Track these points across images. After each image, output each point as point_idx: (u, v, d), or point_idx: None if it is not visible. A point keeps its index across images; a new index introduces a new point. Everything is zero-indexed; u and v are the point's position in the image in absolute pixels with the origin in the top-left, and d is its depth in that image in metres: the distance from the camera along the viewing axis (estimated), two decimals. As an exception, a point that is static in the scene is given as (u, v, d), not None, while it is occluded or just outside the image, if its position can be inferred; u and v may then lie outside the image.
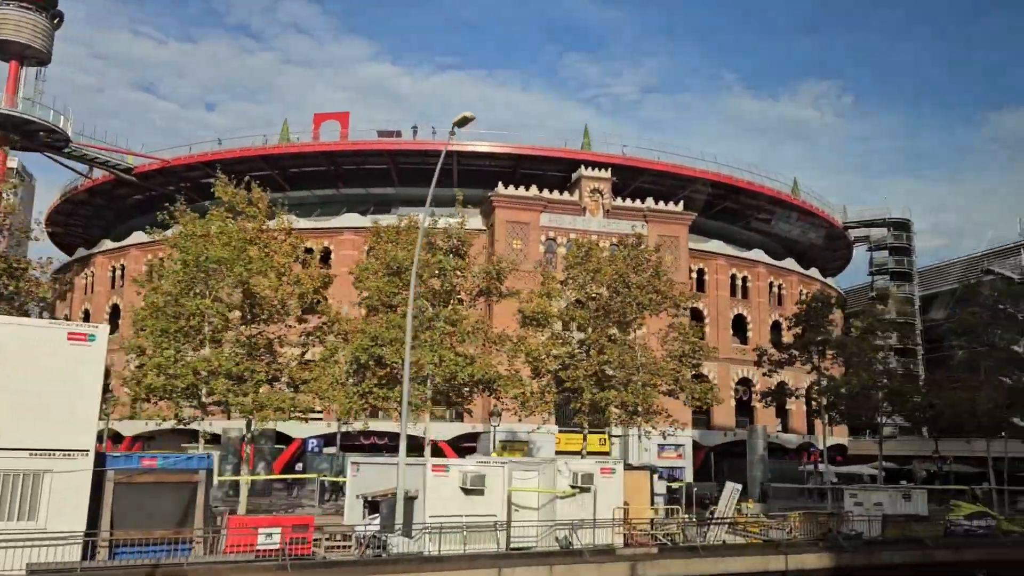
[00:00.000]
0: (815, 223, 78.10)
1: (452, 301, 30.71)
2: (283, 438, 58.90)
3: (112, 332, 42.82)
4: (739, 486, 25.86)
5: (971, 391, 39.91)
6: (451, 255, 30.12)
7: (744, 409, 67.46)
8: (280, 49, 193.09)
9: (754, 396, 60.14)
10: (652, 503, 25.12)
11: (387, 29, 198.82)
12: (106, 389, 27.34)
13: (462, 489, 19.75)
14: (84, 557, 16.34)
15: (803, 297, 72.64)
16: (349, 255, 59.59)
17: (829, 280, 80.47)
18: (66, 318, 65.57)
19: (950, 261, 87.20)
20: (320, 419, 59.04)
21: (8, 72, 59.23)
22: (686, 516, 25.28)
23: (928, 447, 65.41)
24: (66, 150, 61.82)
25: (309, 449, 57.25)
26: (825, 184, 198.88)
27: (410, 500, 19.37)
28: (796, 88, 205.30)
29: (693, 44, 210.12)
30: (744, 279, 68.95)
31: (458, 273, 30.41)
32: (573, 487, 21.47)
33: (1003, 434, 44.94)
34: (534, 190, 59.86)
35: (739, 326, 68.07)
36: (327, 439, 58.98)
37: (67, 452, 16.75)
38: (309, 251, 48.36)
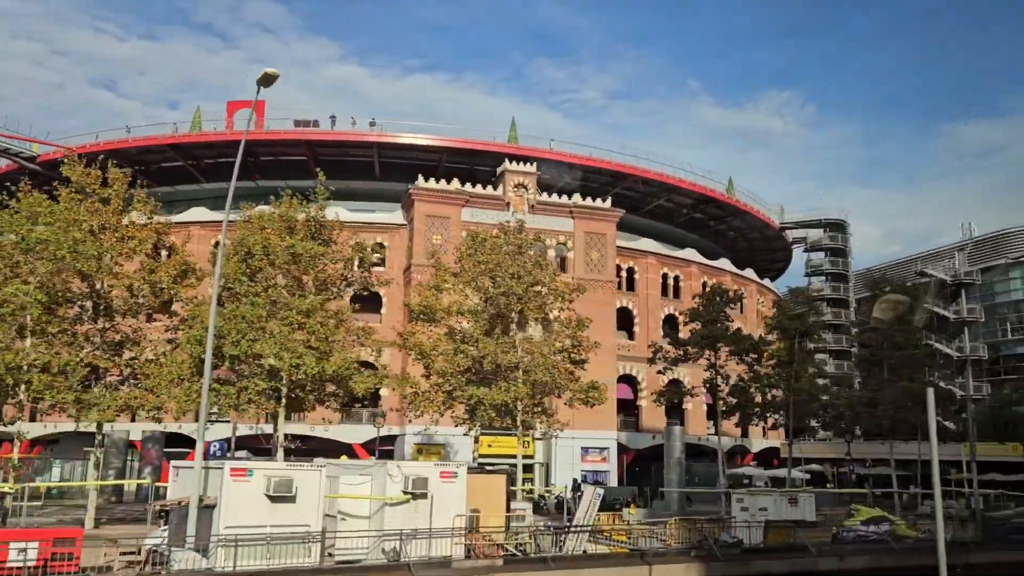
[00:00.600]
0: (751, 223, 77.27)
1: (315, 291, 28.34)
2: (189, 441, 56.12)
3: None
4: (600, 490, 23.99)
5: (872, 392, 38.67)
6: (312, 241, 27.77)
7: (675, 411, 66.08)
8: (246, 49, 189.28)
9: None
10: (509, 509, 23.11)
11: (354, 31, 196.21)
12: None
13: (268, 496, 17.54)
14: None
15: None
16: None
17: (767, 281, 79.73)
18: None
19: (888, 264, 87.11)
20: (227, 421, 56.50)
21: None
22: (541, 524, 23.29)
23: (863, 449, 64.80)
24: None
25: (211, 453, 54.37)
26: (788, 192, 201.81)
27: (207, 509, 17.12)
28: (759, 97, 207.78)
29: (659, 52, 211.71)
30: (676, 278, 67.70)
31: (322, 260, 28.06)
32: (406, 493, 19.37)
33: (917, 436, 43.97)
34: (456, 184, 57.83)
35: (672, 326, 66.70)
36: (239, 442, 56.24)
37: None
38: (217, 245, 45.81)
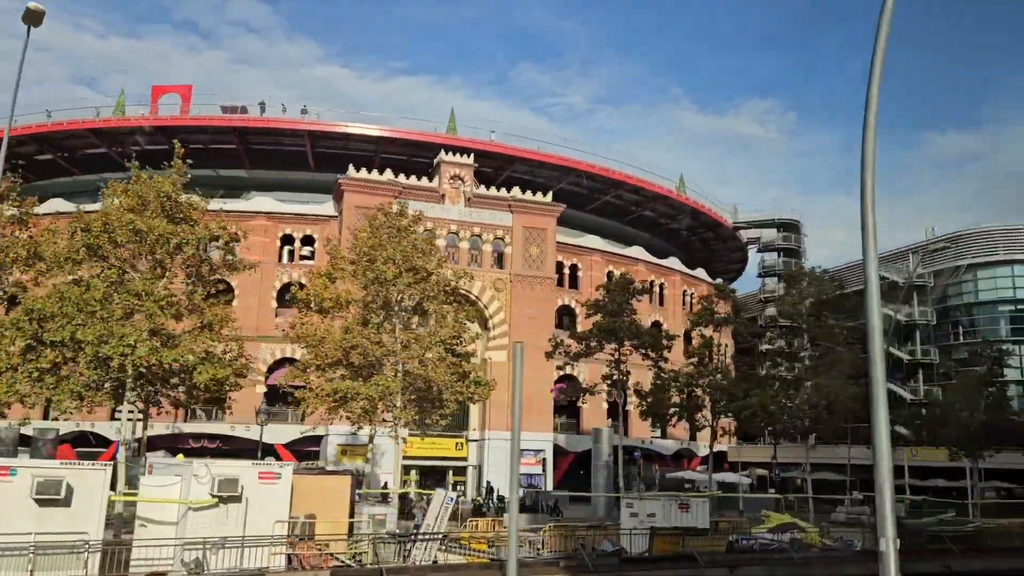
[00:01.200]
0: (704, 222, 75.64)
1: (163, 275, 25.87)
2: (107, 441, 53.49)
3: None
4: (453, 494, 21.89)
5: (779, 393, 36.77)
6: (165, 220, 25.36)
7: (618, 412, 64.20)
8: (230, 49, 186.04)
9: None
10: (353, 514, 20.90)
11: (339, 31, 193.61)
12: None
13: (34, 499, 15.27)
14: None
15: (687, 298, 70.05)
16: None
17: (720, 281, 78.12)
18: None
19: (844, 266, 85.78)
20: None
21: None
22: (386, 531, 21.08)
23: (815, 454, 63.23)
24: None
25: (116, 453, 51.60)
26: (767, 198, 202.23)
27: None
28: (741, 104, 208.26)
29: (643, 58, 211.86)
30: (622, 276, 65.73)
31: (179, 240, 25.64)
32: (213, 496, 17.14)
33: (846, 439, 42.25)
34: (388, 174, 55.62)
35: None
36: (155, 442, 53.56)
37: None
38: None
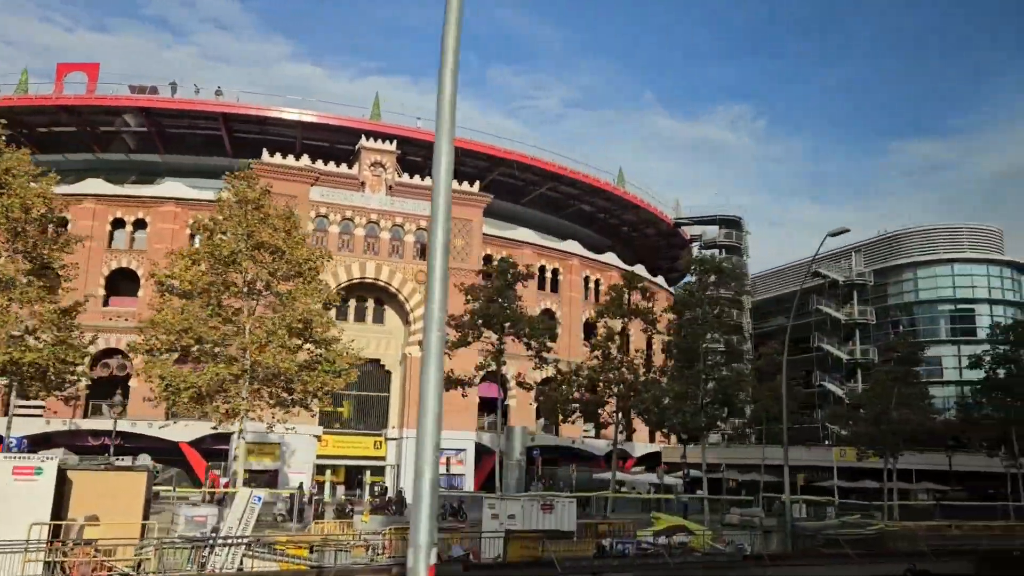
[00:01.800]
0: (645, 218, 74.06)
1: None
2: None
3: None
4: (259, 494, 19.63)
5: (673, 388, 34.91)
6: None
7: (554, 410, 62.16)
8: (199, 44, 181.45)
9: (511, 392, 53.96)
10: (148, 516, 18.50)
11: (310, 30, 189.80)
12: None
13: None
14: None
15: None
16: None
17: (637, 268, 76.60)
18: None
19: (787, 265, 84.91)
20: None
21: None
22: (178, 536, 18.72)
23: (754, 454, 61.78)
24: None
25: (9, 449, 48.42)
26: (737, 204, 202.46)
27: None
28: (712, 110, 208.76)
29: (615, 63, 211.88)
30: (555, 272, 63.95)
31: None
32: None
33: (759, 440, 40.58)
34: (306, 160, 53.11)
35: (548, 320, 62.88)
36: (56, 439, 50.48)
37: None
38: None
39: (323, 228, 53.07)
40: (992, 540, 31.18)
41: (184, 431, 51.92)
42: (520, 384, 32.55)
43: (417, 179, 55.77)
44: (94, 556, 15.61)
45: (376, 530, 21.86)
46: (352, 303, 55.39)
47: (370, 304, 55.56)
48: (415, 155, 60.40)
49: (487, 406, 61.97)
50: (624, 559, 22.20)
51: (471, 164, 61.82)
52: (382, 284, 54.04)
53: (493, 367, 35.84)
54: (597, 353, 35.34)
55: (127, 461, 39.54)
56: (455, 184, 56.57)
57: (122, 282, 52.28)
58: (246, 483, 48.98)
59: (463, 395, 35.41)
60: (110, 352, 50.73)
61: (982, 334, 68.04)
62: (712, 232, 77.01)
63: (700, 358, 36.37)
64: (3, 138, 25.90)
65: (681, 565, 22.67)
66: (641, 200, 70.67)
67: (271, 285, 28.10)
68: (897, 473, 53.53)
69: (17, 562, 14.92)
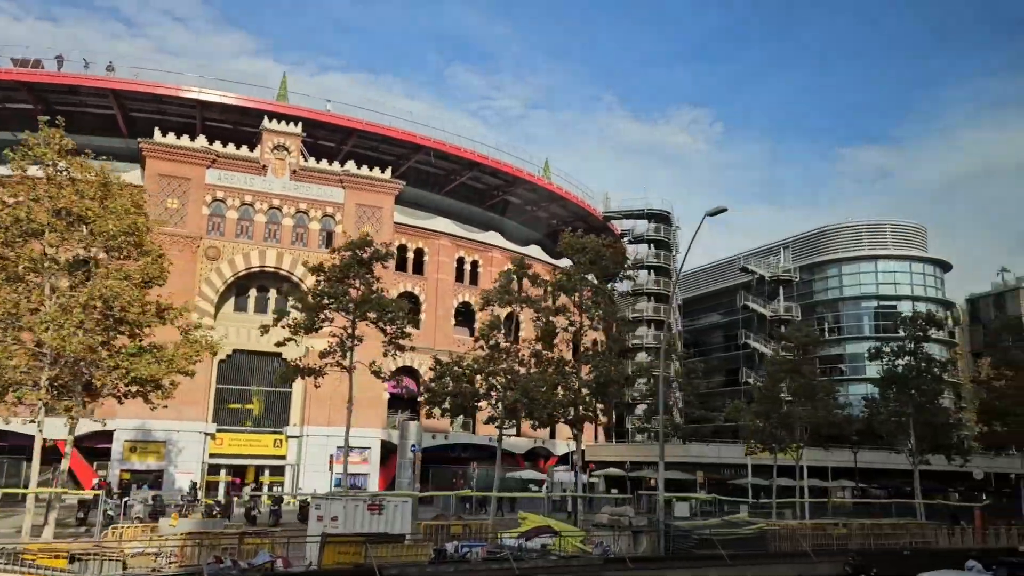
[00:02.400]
0: (573, 211, 72.33)
1: None
2: None
3: None
4: None
5: (551, 379, 33.01)
6: None
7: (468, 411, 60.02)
8: (153, 37, 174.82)
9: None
10: None
11: (270, 25, 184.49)
12: None
13: None
14: None
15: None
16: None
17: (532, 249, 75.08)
18: None
19: (717, 262, 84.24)
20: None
21: None
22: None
23: (676, 452, 60.46)
24: None
25: None
26: (695, 207, 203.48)
27: None
28: (671, 113, 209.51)
29: (576, 64, 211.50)
30: (475, 263, 61.84)
31: None
32: None
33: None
34: (203, 141, 50.14)
35: (466, 316, 60.76)
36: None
37: None
38: None
39: (220, 213, 50.18)
40: (880, 539, 29.96)
41: (65, 429, 48.62)
42: (375, 373, 30.25)
43: (324, 164, 53.17)
44: None
45: (170, 535, 19.32)
46: (253, 293, 52.58)
47: (272, 295, 52.75)
48: (327, 140, 57.83)
49: (404, 403, 59.70)
50: (463, 564, 20.14)
51: (387, 151, 59.41)
52: (284, 273, 51.31)
53: (386, 360, 33.36)
54: (482, 343, 33.27)
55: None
56: (365, 170, 54.20)
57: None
58: (129, 484, 46.12)
59: (316, 385, 32.86)
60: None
61: (905, 331, 68.00)
62: (642, 227, 75.65)
63: (577, 348, 34.67)
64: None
65: (531, 570, 20.71)
66: (567, 192, 68.94)
67: (97, 261, 25.22)
68: (811, 470, 52.70)
69: None
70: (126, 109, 53.72)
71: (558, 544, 23.77)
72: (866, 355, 44.27)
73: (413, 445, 37.20)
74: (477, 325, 35.50)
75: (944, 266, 71.62)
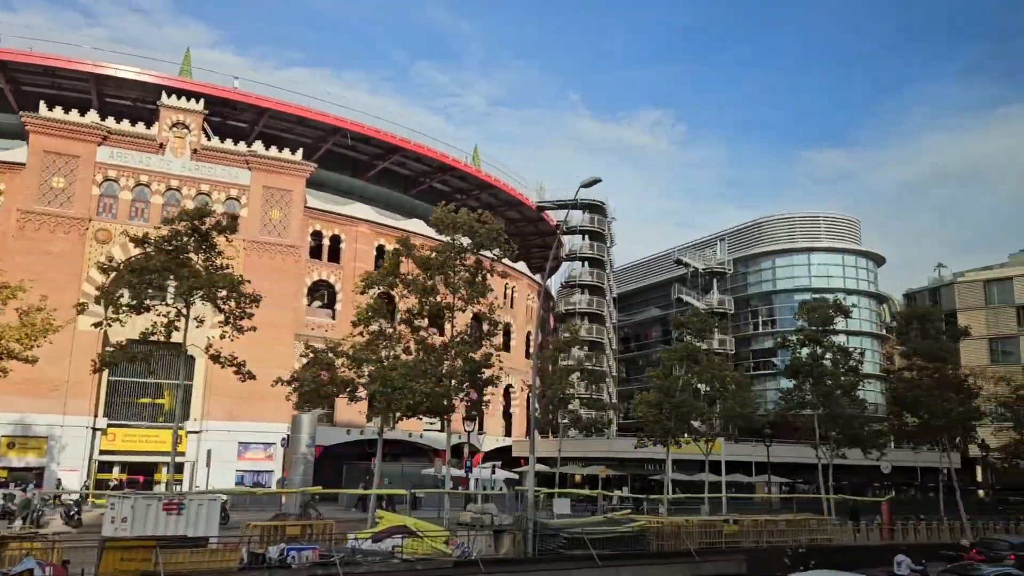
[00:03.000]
0: (506, 200, 70.32)
1: None
2: None
3: None
4: None
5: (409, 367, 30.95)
6: None
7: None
8: (110, 27, 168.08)
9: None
10: None
11: (231, 17, 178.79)
12: None
13: None
14: None
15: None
16: None
17: (521, 266, 73.18)
18: None
19: (653, 256, 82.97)
20: None
21: None
22: None
23: (598, 446, 58.88)
24: None
25: None
26: (657, 208, 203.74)
27: None
28: (634, 114, 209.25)
29: (541, 63, 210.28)
30: (396, 252, 59.29)
31: None
32: None
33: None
34: (92, 116, 47.00)
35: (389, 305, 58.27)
36: None
37: None
38: None
39: (112, 194, 47.10)
40: (774, 537, 28.41)
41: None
42: (214, 359, 27.74)
43: (229, 144, 50.29)
44: None
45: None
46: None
47: (172, 280, 49.64)
48: (236, 120, 54.96)
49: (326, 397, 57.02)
50: (281, 570, 17.94)
51: (302, 132, 56.76)
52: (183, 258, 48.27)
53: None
54: (361, 329, 31.07)
55: None
56: (274, 151, 51.51)
57: None
58: (4, 483, 42.79)
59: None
60: None
61: (838, 325, 67.31)
62: (577, 217, 73.87)
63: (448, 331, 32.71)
64: None
65: (363, 575, 18.57)
66: (496, 180, 66.90)
67: None
68: (737, 465, 51.45)
69: None
70: (16, 83, 50.34)
71: (411, 545, 21.67)
72: (775, 345, 42.88)
73: (283, 438, 34.81)
74: (356, 310, 32.98)
75: (878, 259, 71.11)
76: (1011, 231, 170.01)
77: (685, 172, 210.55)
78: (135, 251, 32.04)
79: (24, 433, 43.43)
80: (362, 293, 32.70)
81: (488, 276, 34.56)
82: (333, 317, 55.04)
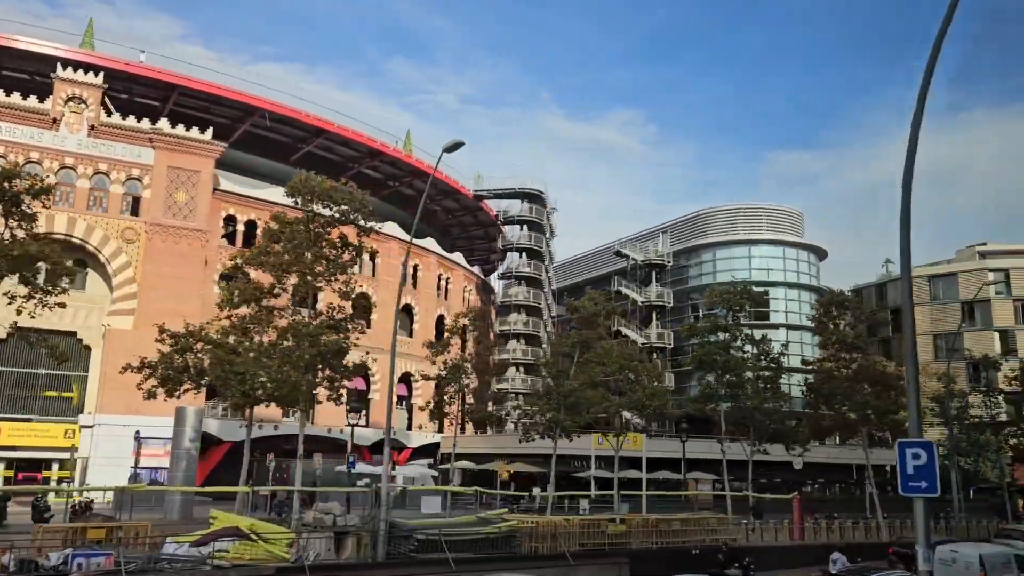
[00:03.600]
0: (441, 189, 68.08)
1: None
2: None
3: None
4: None
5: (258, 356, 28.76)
6: None
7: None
8: (75, 18, 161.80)
9: None
10: None
11: (201, 10, 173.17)
12: None
13: None
14: None
15: (442, 280, 62.45)
16: None
17: (456, 256, 71.05)
18: None
19: (597, 249, 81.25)
20: None
21: None
22: None
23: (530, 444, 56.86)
24: None
25: None
26: (629, 207, 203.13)
27: None
28: (606, 113, 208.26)
29: (514, 61, 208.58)
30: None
31: None
32: None
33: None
34: (-15, 90, 43.88)
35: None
36: None
37: None
38: None
39: (-2, 171, 43.90)
40: (667, 537, 26.52)
41: None
42: (12, 331, 25.24)
43: (132, 120, 47.38)
44: None
45: None
46: (41, 264, 46.34)
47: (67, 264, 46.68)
48: (145, 97, 52.07)
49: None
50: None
51: (219, 112, 53.99)
52: (77, 242, 45.43)
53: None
54: (228, 312, 28.59)
55: None
56: (181, 129, 48.66)
57: None
58: None
59: None
60: None
61: (778, 318, 66.20)
62: (516, 208, 71.76)
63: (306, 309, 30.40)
64: None
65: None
66: (429, 166, 64.50)
67: None
68: (666, 462, 49.67)
69: None
70: (-103, 51, 47.02)
71: (240, 550, 19.37)
72: (680, 334, 41.16)
73: (193, 435, 32.46)
74: (236, 293, 30.42)
75: (820, 253, 70.05)
76: (975, 231, 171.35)
77: (656, 171, 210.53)
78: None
79: None
80: (232, 275, 30.17)
81: (359, 251, 32.20)
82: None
